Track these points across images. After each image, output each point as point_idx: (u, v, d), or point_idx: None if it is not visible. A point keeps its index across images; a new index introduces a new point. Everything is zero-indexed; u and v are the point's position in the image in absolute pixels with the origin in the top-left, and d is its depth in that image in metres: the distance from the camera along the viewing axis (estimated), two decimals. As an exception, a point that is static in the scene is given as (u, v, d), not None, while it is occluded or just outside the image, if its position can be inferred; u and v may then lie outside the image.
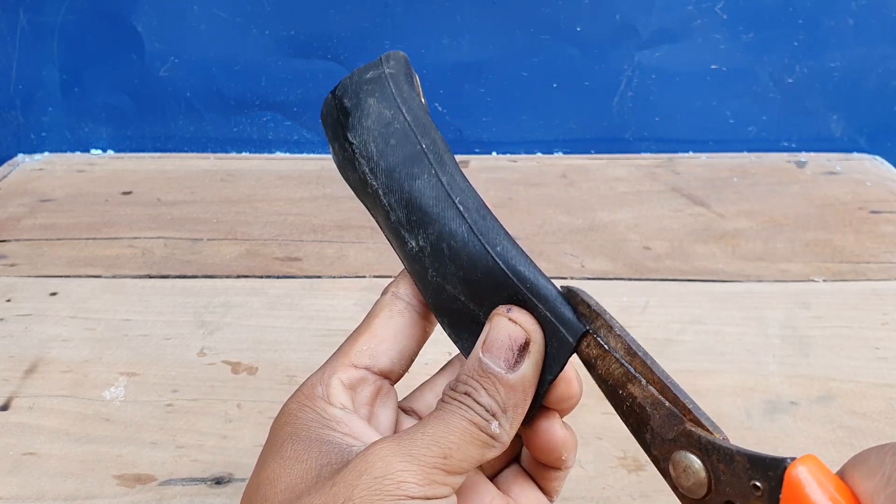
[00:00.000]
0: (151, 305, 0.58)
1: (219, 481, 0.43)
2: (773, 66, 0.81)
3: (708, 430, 0.25)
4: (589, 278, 0.61)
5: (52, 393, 0.49)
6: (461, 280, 0.29)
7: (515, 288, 0.28)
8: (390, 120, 0.31)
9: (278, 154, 0.85)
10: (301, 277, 0.62)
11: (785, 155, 0.83)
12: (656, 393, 0.26)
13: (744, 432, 0.46)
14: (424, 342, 0.33)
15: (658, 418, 0.26)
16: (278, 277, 0.62)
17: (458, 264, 0.29)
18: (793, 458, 0.22)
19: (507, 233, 0.29)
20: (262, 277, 0.62)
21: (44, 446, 0.45)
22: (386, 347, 0.31)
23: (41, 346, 0.54)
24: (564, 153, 0.84)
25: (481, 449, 0.27)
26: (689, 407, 0.26)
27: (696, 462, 0.25)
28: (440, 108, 0.83)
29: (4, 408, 0.48)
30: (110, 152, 0.85)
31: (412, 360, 0.32)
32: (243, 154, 0.85)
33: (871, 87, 0.81)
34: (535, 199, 0.74)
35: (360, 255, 0.64)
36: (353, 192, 0.33)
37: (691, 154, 0.84)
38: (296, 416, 0.30)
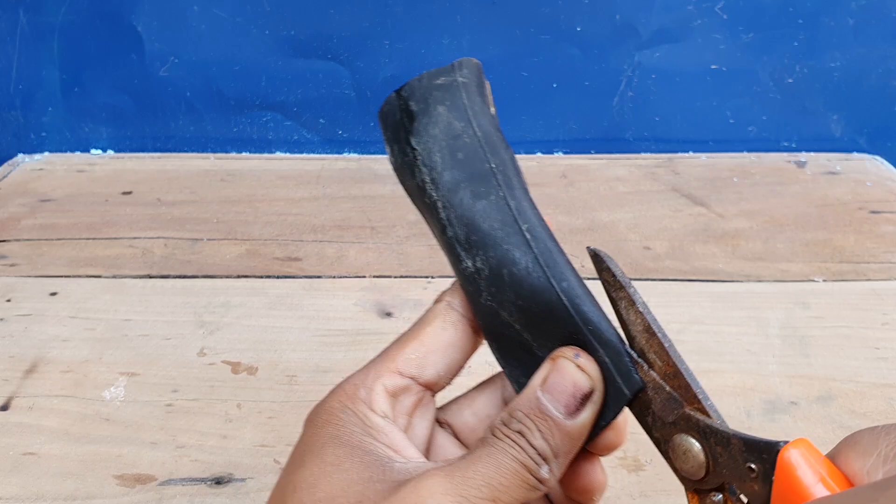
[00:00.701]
0: (151, 305, 0.58)
1: (219, 481, 0.43)
2: (773, 66, 0.81)
3: (707, 415, 0.26)
4: (589, 278, 0.61)
5: (52, 393, 0.49)
6: (518, 309, 0.28)
7: (577, 327, 0.27)
8: (459, 132, 0.30)
9: (278, 154, 0.85)
10: (301, 277, 0.62)
11: (785, 155, 0.83)
12: (657, 378, 0.27)
13: (744, 432, 0.46)
14: (472, 355, 0.32)
15: (659, 402, 0.27)
16: (278, 277, 0.62)
17: (518, 293, 0.28)
18: (785, 442, 0.23)
19: (573, 269, 0.28)
20: (262, 277, 0.62)
21: (44, 446, 0.45)
22: (435, 359, 0.30)
23: (41, 346, 0.54)
24: (564, 153, 0.84)
25: (528, 492, 0.27)
26: (698, 394, 0.26)
27: (695, 445, 0.26)
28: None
29: (4, 408, 0.48)
30: (110, 152, 0.85)
31: (458, 373, 0.32)
32: (243, 154, 0.85)
33: (871, 87, 0.81)
34: (535, 198, 0.74)
35: (360, 255, 0.64)
36: (407, 197, 0.32)
37: (691, 154, 0.84)
38: (337, 417, 0.29)
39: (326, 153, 0.84)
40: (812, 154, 0.83)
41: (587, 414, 0.27)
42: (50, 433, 0.46)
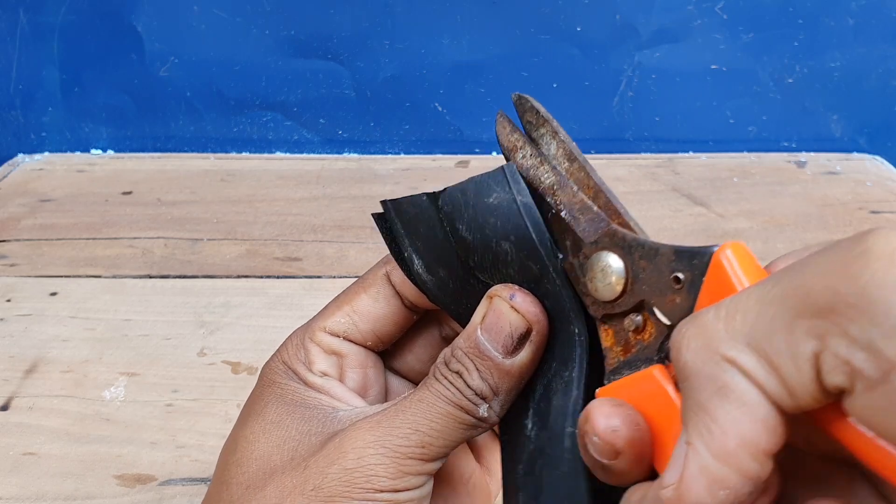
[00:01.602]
0: (151, 305, 0.58)
1: (218, 481, 0.43)
2: (773, 66, 0.81)
3: (633, 231, 0.25)
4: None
5: (52, 393, 0.49)
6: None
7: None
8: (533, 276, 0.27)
9: (278, 154, 0.85)
10: (301, 277, 0.62)
11: (785, 155, 0.83)
12: (586, 199, 0.26)
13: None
14: (408, 328, 0.32)
15: (583, 222, 0.26)
16: (278, 277, 0.62)
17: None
18: (719, 245, 0.22)
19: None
20: (262, 277, 0.62)
21: (44, 446, 0.45)
22: (365, 327, 0.30)
23: (41, 346, 0.54)
24: (564, 153, 0.84)
25: (466, 431, 0.27)
26: (619, 210, 0.26)
27: (616, 262, 0.25)
28: (440, 108, 0.83)
29: (4, 408, 0.48)
30: (110, 152, 0.85)
31: (393, 341, 0.32)
32: (243, 154, 0.85)
33: (872, 86, 0.81)
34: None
35: (360, 255, 0.64)
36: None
37: (691, 154, 0.84)
38: (280, 377, 0.30)
39: (326, 153, 0.84)
40: (812, 154, 0.83)
41: (526, 353, 0.26)
42: (50, 433, 0.46)
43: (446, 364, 0.27)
